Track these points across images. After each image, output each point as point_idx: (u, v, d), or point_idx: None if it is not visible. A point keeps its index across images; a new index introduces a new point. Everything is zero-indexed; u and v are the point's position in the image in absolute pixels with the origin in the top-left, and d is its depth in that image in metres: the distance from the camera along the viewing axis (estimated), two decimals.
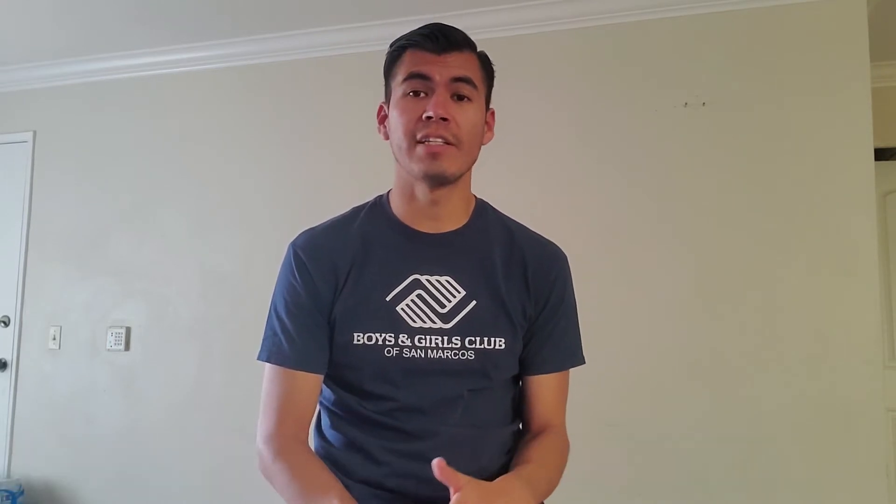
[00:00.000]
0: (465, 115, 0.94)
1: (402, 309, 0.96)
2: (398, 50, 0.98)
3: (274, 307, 1.01)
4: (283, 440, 0.93)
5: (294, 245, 1.03)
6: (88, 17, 2.70)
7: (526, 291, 1.01)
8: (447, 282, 0.99)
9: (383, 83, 1.02)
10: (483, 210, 1.08)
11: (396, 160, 0.99)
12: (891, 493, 2.17)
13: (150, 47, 2.97)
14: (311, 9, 2.60)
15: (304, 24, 2.72)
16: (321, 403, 1.04)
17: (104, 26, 2.79)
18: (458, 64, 0.94)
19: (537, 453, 0.97)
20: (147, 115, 3.05)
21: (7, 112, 3.30)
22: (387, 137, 1.00)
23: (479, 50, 1.01)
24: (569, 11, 2.48)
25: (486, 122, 1.03)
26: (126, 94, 3.10)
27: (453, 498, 0.77)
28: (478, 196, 1.09)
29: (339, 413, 1.01)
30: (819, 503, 2.09)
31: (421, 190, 0.98)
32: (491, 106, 1.05)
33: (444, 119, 0.91)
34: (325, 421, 1.04)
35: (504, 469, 0.96)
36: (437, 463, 0.79)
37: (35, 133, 3.22)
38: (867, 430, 2.07)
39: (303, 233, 1.05)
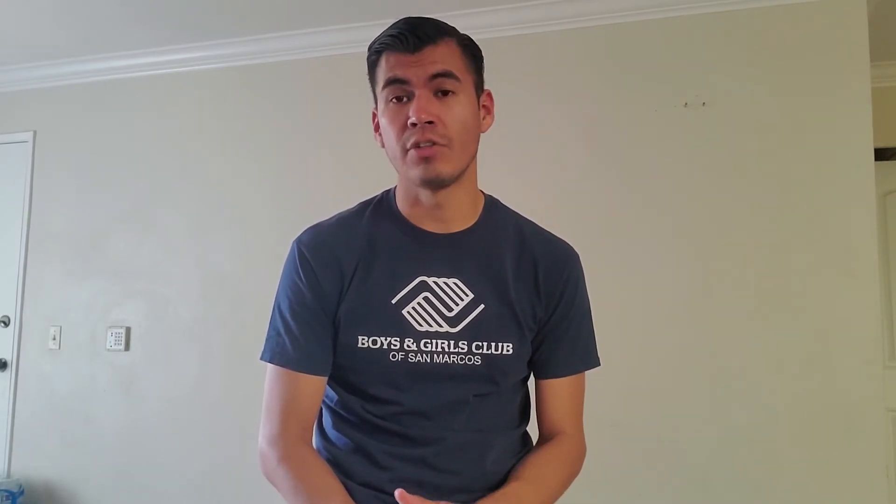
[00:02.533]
0: (452, 112, 0.89)
1: (408, 312, 0.94)
2: (374, 55, 0.93)
3: (277, 306, 0.98)
4: (288, 443, 0.91)
5: (299, 242, 0.99)
6: (88, 17, 2.70)
7: (536, 293, 0.98)
8: (455, 284, 0.96)
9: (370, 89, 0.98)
10: (493, 207, 1.04)
11: (395, 168, 0.97)
12: (891, 493, 2.17)
13: (150, 47, 2.97)
14: (311, 9, 2.60)
15: (304, 24, 2.72)
16: (324, 403, 1.02)
17: (104, 26, 2.79)
18: (435, 59, 0.89)
19: (532, 468, 0.95)
20: (147, 115, 3.05)
21: (7, 112, 3.30)
22: (383, 146, 0.96)
23: (460, 34, 0.94)
24: (568, 11, 2.48)
25: (484, 106, 0.98)
26: (126, 94, 3.10)
27: None
28: (486, 192, 1.05)
29: (343, 414, 0.99)
30: (819, 503, 2.10)
31: (424, 194, 0.95)
32: (486, 87, 0.99)
33: (430, 122, 0.87)
34: (328, 420, 1.02)
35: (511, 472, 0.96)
36: (398, 494, 0.79)
37: (35, 133, 3.22)
38: (867, 430, 2.07)
39: (308, 229, 1.01)
